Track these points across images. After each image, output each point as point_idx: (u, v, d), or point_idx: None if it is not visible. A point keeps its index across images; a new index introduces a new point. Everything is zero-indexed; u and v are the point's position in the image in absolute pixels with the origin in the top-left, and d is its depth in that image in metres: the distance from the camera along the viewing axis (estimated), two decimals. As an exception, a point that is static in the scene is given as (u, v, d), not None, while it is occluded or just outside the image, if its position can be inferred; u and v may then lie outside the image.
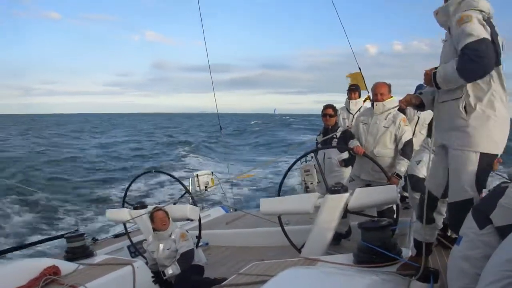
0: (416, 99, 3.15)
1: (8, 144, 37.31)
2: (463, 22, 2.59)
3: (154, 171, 8.27)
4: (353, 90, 7.08)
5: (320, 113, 6.02)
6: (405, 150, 5.08)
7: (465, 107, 2.67)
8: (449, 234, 3.77)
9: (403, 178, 5.34)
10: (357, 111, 6.85)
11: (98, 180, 21.16)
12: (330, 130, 5.82)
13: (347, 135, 5.56)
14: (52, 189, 17.86)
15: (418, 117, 5.85)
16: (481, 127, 2.64)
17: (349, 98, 7.07)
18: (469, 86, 2.65)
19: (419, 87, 5.33)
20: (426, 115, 5.44)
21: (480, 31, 2.54)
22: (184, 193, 6.68)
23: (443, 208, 3.05)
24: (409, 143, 5.13)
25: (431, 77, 2.77)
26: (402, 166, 5.04)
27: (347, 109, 7.06)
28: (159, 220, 5.12)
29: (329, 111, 5.83)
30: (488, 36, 2.54)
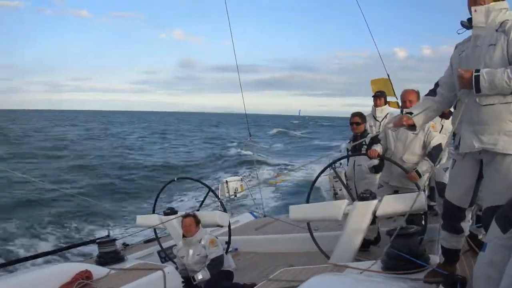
0: (407, 120, 3.15)
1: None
2: None
3: (177, 179, 8.09)
4: (378, 96, 7.08)
5: (348, 115, 6.02)
6: (432, 152, 4.99)
7: None
8: (480, 237, 3.70)
9: (428, 189, 5.25)
10: (384, 118, 6.81)
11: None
12: (359, 138, 5.80)
13: (376, 142, 5.52)
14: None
15: (442, 125, 5.70)
16: None
17: (375, 105, 7.07)
18: None
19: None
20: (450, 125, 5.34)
21: None
22: (207, 194, 6.68)
23: (469, 215, 3.00)
24: (438, 147, 5.04)
25: (471, 80, 2.65)
26: (424, 165, 4.97)
27: (374, 116, 7.05)
28: (185, 227, 5.22)
29: (356, 119, 5.82)
30: None
